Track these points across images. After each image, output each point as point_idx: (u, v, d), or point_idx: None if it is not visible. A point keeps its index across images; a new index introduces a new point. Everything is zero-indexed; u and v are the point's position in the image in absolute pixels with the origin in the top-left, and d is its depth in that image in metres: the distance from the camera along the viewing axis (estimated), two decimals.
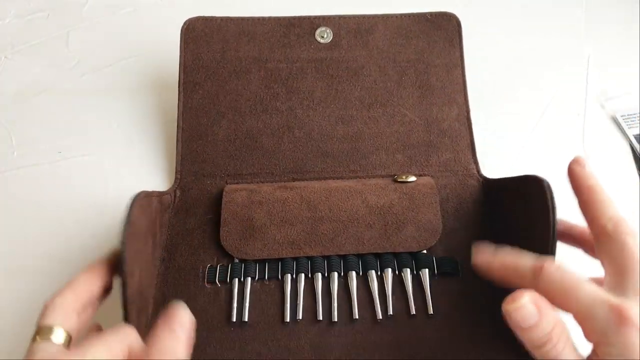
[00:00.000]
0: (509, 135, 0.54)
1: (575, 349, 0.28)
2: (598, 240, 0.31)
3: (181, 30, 0.51)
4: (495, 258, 0.32)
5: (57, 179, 0.51)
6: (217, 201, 0.46)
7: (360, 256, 0.43)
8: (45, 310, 0.30)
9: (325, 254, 0.42)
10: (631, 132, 0.53)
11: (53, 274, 0.44)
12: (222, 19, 0.51)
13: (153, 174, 0.51)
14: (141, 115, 0.56)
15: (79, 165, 0.52)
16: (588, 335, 0.28)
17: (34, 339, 0.29)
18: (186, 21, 0.51)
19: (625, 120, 0.54)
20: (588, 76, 0.59)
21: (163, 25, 0.64)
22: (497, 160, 0.51)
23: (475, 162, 0.49)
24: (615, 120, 0.54)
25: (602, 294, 0.27)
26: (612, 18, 0.65)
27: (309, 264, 0.42)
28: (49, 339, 0.29)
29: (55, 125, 0.55)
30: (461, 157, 0.49)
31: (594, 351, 0.28)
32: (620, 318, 0.26)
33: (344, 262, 0.42)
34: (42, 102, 0.58)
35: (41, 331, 0.29)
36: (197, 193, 0.47)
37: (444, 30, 0.52)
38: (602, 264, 0.30)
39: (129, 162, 0.52)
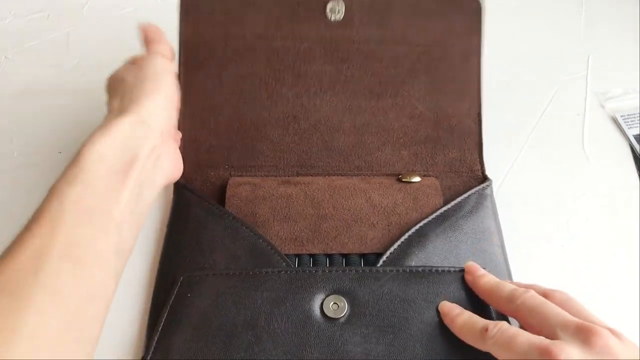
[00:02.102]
0: (509, 134, 0.54)
1: None
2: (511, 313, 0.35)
3: None
4: (479, 282, 0.38)
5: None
6: (220, 194, 0.45)
7: (362, 255, 0.42)
8: None
9: (328, 252, 0.42)
10: (631, 132, 0.53)
11: None
12: None
13: None
14: None
15: None
16: None
17: None
18: None
19: (625, 120, 0.54)
20: (588, 76, 0.59)
21: (163, 25, 0.63)
22: (497, 160, 0.51)
23: (481, 163, 0.48)
24: (615, 120, 0.54)
25: (533, 339, 0.31)
26: (612, 18, 0.65)
27: (311, 262, 0.42)
28: None
29: (55, 125, 0.55)
30: (467, 157, 0.48)
31: None
32: (546, 355, 0.29)
33: (347, 261, 0.42)
34: (42, 102, 0.57)
35: None
36: (200, 184, 0.46)
37: (464, 13, 0.48)
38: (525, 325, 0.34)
39: None
